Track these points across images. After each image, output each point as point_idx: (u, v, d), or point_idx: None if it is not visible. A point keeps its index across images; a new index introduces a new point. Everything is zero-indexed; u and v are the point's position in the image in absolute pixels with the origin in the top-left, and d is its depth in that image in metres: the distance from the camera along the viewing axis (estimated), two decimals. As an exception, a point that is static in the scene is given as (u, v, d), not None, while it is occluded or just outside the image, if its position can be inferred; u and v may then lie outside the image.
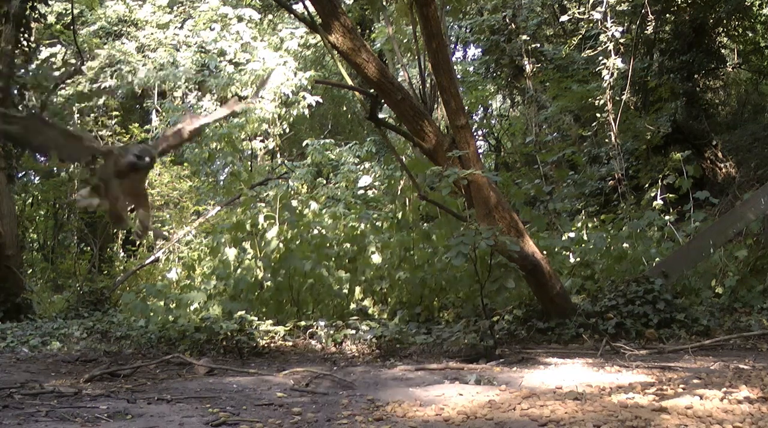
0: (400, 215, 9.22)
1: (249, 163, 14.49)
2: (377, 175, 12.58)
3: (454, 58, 18.96)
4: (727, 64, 15.69)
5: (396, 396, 3.79)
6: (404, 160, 8.98)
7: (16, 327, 8.05)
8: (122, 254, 15.98)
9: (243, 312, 6.79)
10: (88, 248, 16.10)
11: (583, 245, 8.73)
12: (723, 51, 15.39)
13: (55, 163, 18.02)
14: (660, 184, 9.84)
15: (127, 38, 15.55)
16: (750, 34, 14.95)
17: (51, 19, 15.04)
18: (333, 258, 8.44)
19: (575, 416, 2.99)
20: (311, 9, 6.91)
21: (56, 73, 15.60)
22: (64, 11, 15.55)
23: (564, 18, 14.29)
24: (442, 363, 5.15)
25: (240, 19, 14.98)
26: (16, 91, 12.09)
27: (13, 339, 7.10)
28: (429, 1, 6.15)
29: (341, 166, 13.80)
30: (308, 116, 14.92)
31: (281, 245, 8.35)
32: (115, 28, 15.80)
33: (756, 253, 7.98)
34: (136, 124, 15.95)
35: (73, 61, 15.55)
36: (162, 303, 8.57)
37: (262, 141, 14.48)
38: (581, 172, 14.10)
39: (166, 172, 15.33)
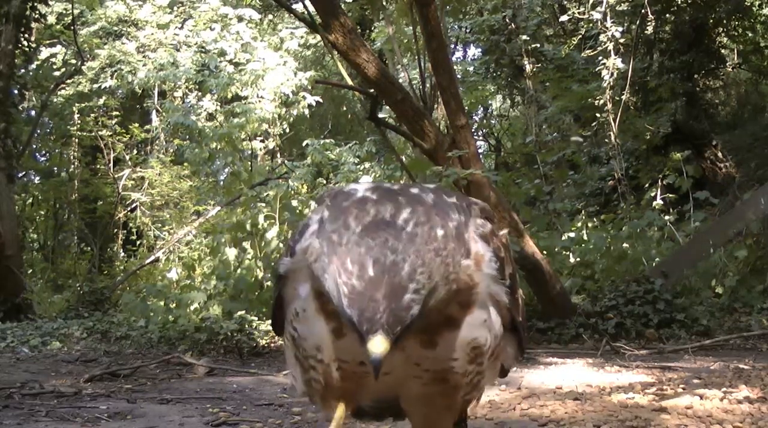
0: (400, 215, 9.19)
1: (249, 163, 14.49)
2: (377, 175, 12.57)
3: (454, 58, 18.96)
4: (727, 64, 15.68)
5: (396, 396, 3.78)
6: (404, 160, 8.99)
7: (16, 327, 8.05)
8: (122, 254, 15.99)
9: (243, 312, 6.78)
10: (88, 248, 16.10)
11: (583, 245, 8.73)
12: (723, 51, 15.38)
13: (54, 163, 18.06)
14: (660, 184, 9.84)
15: (127, 38, 15.53)
16: (750, 34, 14.94)
17: (51, 19, 15.03)
18: (333, 258, 8.41)
19: (575, 416, 2.99)
20: (311, 9, 6.92)
21: (56, 73, 15.62)
22: (64, 11, 15.54)
23: (564, 18, 14.28)
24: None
25: (240, 19, 14.97)
26: (16, 91, 12.09)
27: (13, 339, 7.11)
28: (429, 1, 6.15)
29: (341, 166, 13.80)
30: (308, 116, 14.91)
31: (281, 245, 8.35)
32: (115, 28, 15.79)
33: (756, 253, 7.98)
34: (136, 124, 15.96)
35: (73, 61, 15.55)
36: (162, 303, 8.57)
37: (262, 141, 14.48)
38: (581, 172, 14.10)
39: (166, 171, 15.34)
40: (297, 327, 1.40)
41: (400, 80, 11.30)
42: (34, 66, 14.61)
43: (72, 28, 13.98)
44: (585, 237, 8.99)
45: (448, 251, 1.17)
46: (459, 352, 1.33)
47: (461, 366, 1.36)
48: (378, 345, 1.10)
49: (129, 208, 15.66)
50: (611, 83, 12.34)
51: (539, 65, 15.44)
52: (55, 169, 18.17)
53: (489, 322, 1.35)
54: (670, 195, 9.60)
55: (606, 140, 13.08)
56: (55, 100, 15.44)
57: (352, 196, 1.24)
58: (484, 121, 21.52)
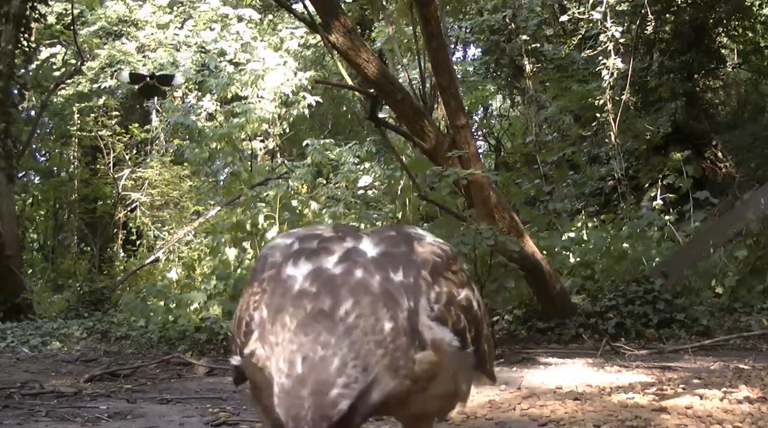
0: (400, 215, 9.21)
1: (249, 163, 14.48)
2: (377, 175, 12.57)
3: (454, 58, 18.96)
4: (727, 64, 15.68)
5: (396, 396, 3.78)
6: (404, 160, 8.99)
7: (16, 327, 8.06)
8: (122, 254, 16.00)
9: (243, 312, 6.77)
10: (88, 248, 16.10)
11: (583, 245, 8.73)
12: (723, 51, 15.39)
13: (54, 163, 18.07)
14: (660, 184, 9.85)
15: (127, 38, 15.54)
16: (750, 34, 14.94)
17: (51, 19, 15.03)
18: (333, 259, 8.41)
19: (575, 416, 2.99)
20: (311, 9, 6.91)
21: (56, 73, 15.62)
22: (64, 11, 15.54)
23: (564, 18, 14.28)
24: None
25: (240, 19, 14.99)
26: (16, 91, 12.10)
27: (13, 339, 7.11)
28: (429, 1, 6.15)
29: (341, 166, 13.79)
30: (308, 116, 14.92)
31: (281, 245, 8.33)
32: (115, 28, 15.79)
33: (756, 253, 7.98)
34: (136, 124, 15.97)
35: (73, 61, 15.55)
36: (162, 303, 8.58)
37: (262, 141, 14.49)
38: (581, 172, 14.10)
39: (166, 171, 15.35)
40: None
41: (400, 80, 11.30)
42: (34, 66, 14.62)
43: (72, 28, 13.98)
44: (585, 237, 9.00)
45: (396, 345, 1.11)
46: (429, 404, 1.33)
47: (434, 409, 1.38)
48: None
49: (129, 208, 15.66)
50: (611, 83, 12.36)
51: (539, 65, 15.44)
52: (55, 169, 18.17)
53: (456, 377, 1.34)
54: (670, 195, 9.60)
55: (606, 140, 13.09)
56: (55, 100, 15.44)
57: (290, 290, 1.16)
58: (484, 121, 21.52)
